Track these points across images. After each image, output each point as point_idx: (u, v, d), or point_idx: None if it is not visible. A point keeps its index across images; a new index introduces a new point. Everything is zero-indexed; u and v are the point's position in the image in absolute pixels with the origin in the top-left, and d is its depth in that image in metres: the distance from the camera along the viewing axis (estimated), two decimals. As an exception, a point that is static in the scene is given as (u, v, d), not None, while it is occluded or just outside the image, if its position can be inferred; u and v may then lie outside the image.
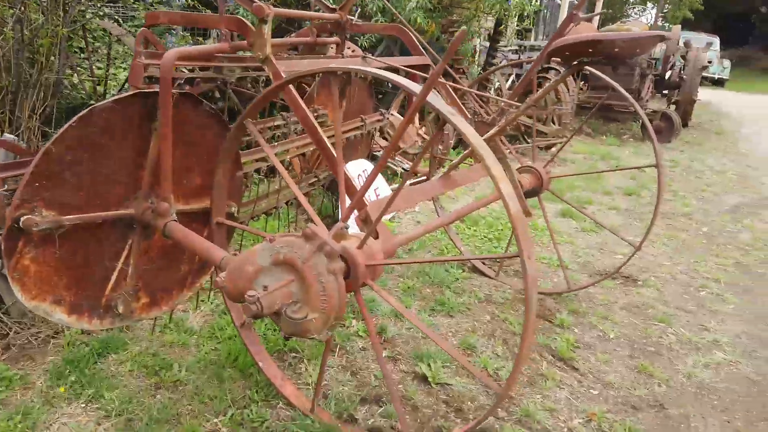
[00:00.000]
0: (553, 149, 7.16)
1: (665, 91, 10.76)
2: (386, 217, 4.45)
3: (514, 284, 3.61)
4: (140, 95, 2.03)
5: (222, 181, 2.33)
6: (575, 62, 2.32)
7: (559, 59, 2.39)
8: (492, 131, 2.64)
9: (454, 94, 3.28)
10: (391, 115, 6.20)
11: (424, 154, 3.38)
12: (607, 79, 3.17)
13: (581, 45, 2.12)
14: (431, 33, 6.54)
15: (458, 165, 2.76)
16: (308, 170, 4.39)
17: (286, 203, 3.78)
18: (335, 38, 4.13)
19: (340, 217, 4.16)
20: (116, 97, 1.92)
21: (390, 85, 7.23)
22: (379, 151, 5.20)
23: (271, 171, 4.05)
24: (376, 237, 2.19)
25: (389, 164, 5.08)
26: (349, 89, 4.49)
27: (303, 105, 2.31)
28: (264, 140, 2.18)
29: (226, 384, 2.42)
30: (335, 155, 2.31)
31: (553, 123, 7.67)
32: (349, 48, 5.38)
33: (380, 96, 7.48)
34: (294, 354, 2.70)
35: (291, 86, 2.34)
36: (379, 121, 4.68)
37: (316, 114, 3.93)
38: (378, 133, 5.16)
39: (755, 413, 2.58)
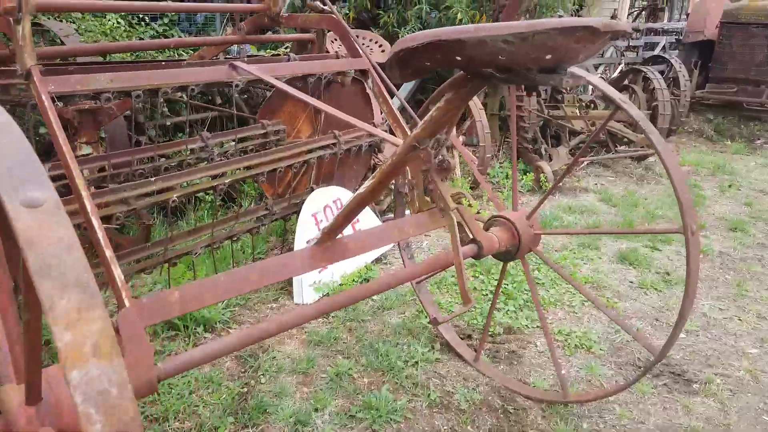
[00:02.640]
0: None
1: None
2: (369, 259, 3.55)
3: (495, 375, 2.56)
4: None
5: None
6: (468, 80, 1.29)
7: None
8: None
9: (397, 115, 2.31)
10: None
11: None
12: (603, 87, 2.00)
13: (425, 51, 1.12)
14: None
15: (341, 227, 1.81)
16: (279, 194, 3.63)
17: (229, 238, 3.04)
18: (307, 35, 3.31)
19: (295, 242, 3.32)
20: None
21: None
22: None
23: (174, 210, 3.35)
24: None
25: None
26: (336, 96, 3.64)
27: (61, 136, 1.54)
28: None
29: None
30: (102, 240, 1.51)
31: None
32: (368, 40, 4.49)
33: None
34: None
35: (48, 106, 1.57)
36: (370, 135, 3.77)
37: (264, 131, 3.14)
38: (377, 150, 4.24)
39: None
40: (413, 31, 5.83)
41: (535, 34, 1.02)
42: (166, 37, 6.34)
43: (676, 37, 9.57)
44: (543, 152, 5.43)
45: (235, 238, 3.01)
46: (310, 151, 3.25)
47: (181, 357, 1.47)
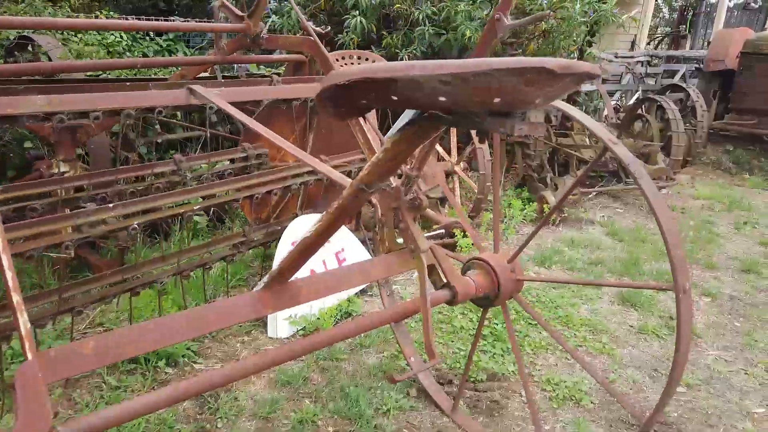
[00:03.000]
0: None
1: None
2: (352, 291, 3.38)
3: (472, 428, 2.36)
4: None
5: None
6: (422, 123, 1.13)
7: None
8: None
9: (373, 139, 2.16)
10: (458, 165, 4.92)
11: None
12: (591, 126, 1.83)
13: (357, 89, 0.97)
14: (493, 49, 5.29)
15: (292, 270, 1.64)
16: (261, 220, 3.48)
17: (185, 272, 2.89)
18: (297, 56, 3.19)
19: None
20: None
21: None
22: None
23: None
24: None
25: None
26: (328, 119, 3.50)
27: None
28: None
29: None
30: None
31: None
32: (366, 60, 4.37)
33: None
34: None
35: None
36: (362, 160, 3.63)
37: (244, 154, 3.01)
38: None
39: None
40: (415, 52, 5.67)
41: (475, 75, 0.86)
42: (170, 52, 6.31)
43: (696, 65, 9.35)
44: (548, 181, 5.23)
45: (208, 267, 2.86)
46: (293, 176, 3.11)
47: (87, 419, 1.30)
